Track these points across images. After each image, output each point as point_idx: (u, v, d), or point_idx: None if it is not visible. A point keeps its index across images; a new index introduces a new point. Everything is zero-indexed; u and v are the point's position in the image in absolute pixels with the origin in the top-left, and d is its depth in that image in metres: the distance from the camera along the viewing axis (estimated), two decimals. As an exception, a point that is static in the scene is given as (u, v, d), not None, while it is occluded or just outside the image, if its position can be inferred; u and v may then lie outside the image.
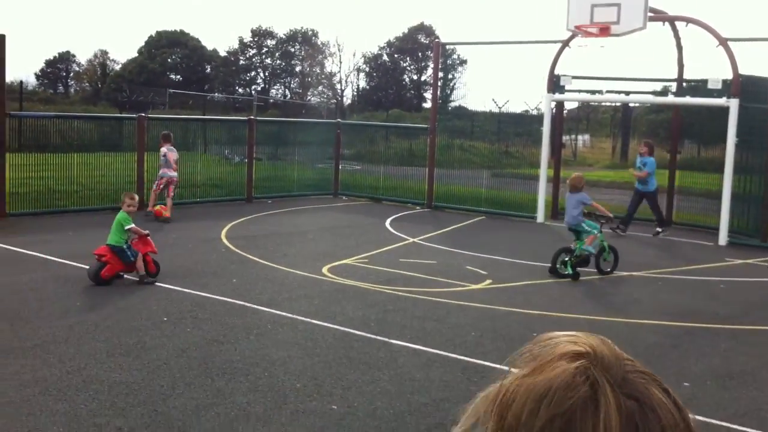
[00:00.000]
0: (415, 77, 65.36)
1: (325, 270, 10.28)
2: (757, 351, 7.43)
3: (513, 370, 0.88)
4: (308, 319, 7.85)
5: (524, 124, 19.38)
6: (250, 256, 10.97)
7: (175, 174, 14.77)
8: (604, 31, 14.37)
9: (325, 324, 7.70)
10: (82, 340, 6.88)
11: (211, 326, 7.51)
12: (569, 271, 10.36)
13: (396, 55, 64.99)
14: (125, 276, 9.32)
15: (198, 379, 6.06)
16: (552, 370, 0.84)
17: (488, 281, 10.08)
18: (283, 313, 8.05)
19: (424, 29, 64.56)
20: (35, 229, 12.74)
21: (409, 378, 6.25)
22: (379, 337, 7.33)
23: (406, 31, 64.61)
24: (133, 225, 9.31)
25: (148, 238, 9.42)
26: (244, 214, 15.28)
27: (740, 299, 9.74)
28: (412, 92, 65.00)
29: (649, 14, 14.28)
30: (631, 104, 22.89)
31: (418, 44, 63.84)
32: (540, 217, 16.21)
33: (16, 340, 6.83)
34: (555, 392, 0.82)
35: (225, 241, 12.28)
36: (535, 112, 18.76)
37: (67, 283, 9.06)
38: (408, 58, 65.05)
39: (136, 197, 10.00)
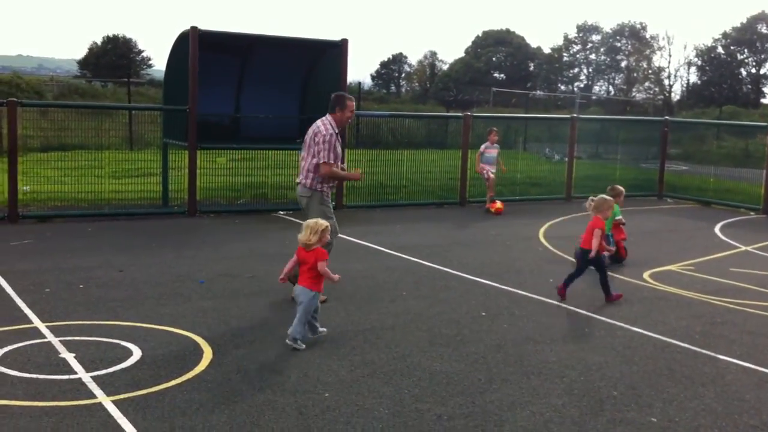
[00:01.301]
0: (753, 70, 60.35)
1: (646, 276, 9.91)
2: None
3: None
4: (627, 326, 7.63)
5: None
6: (567, 257, 10.88)
7: (489, 168, 15.24)
8: None
9: (645, 332, 7.43)
10: (407, 328, 7.31)
11: (526, 324, 7.59)
12: None
13: (732, 47, 60.51)
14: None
15: (514, 375, 6.15)
16: None
17: (835, 299, 9.05)
18: (601, 318, 7.90)
19: (765, 18, 59.33)
20: (368, 221, 13.74)
21: (738, 398, 5.83)
22: (704, 351, 6.92)
23: (744, 21, 59.85)
24: (620, 216, 10.52)
25: (622, 226, 10.62)
26: (563, 214, 15.19)
27: None
28: (749, 87, 60.08)
29: None
30: None
31: (757, 34, 58.90)
32: None
33: (349, 323, 7.43)
34: None
35: (543, 240, 12.32)
36: None
37: (395, 272, 9.67)
38: (746, 50, 60.25)
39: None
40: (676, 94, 62.03)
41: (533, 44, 65.75)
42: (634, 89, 61.96)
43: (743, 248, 12.19)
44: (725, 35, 60.51)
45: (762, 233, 13.73)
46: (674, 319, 7.96)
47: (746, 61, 60.69)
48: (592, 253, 8.43)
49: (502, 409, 5.50)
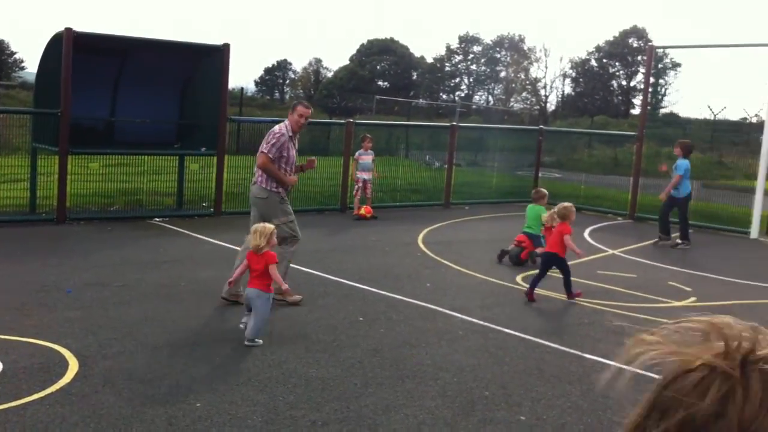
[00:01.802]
0: (624, 83, 63.25)
1: (519, 279, 10.20)
2: None
3: None
4: (499, 327, 7.82)
5: (742, 133, 18.28)
6: (445, 261, 11.09)
7: (365, 176, 15.36)
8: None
9: (517, 333, 7.64)
10: (284, 335, 7.25)
11: (403, 328, 7.67)
12: None
13: (605, 60, 63.22)
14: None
15: (389, 380, 6.21)
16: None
17: (693, 299, 9.58)
18: (475, 320, 8.07)
19: (636, 32, 62.36)
20: (247, 228, 13.52)
21: (603, 395, 6.07)
22: (571, 350, 7.18)
23: (617, 34, 62.68)
24: (547, 215, 10.58)
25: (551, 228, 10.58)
26: (442, 220, 15.46)
27: None
28: (620, 98, 62.94)
29: None
30: None
31: (628, 48, 61.76)
32: (754, 232, 15.17)
33: (225, 331, 7.32)
34: None
35: (421, 245, 12.50)
36: (754, 120, 17.65)
37: (273, 279, 9.58)
38: (617, 63, 63.07)
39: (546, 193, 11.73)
40: (551, 104, 64.31)
41: (417, 54, 66.76)
42: (512, 99, 63.87)
43: (610, 252, 12.72)
44: (598, 48, 63.17)
45: (628, 237, 14.38)
46: (544, 320, 8.23)
47: (617, 73, 63.52)
48: (577, 252, 9.27)
49: (376, 413, 5.53)
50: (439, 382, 6.21)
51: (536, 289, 9.07)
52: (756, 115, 17.30)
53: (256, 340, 6.90)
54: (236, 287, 7.95)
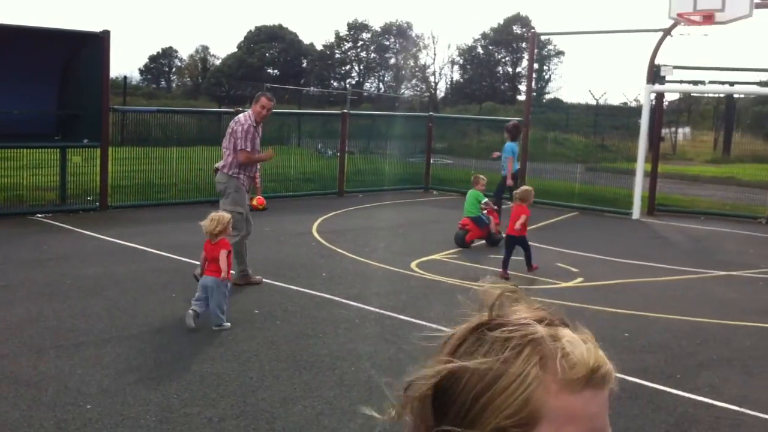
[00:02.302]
0: (510, 69, 64.64)
1: (414, 265, 10.30)
2: None
3: None
4: (395, 314, 7.88)
5: (622, 117, 18.95)
6: (340, 250, 11.08)
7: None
8: (708, 18, 13.90)
9: (412, 320, 7.71)
10: (177, 331, 7.09)
11: (300, 319, 7.63)
12: None
13: (491, 47, 64.41)
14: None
15: (286, 372, 6.16)
16: None
17: (579, 279, 9.90)
18: (371, 308, 8.10)
19: (520, 20, 63.72)
20: (135, 222, 13.19)
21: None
22: (466, 334, 7.29)
23: (501, 21, 63.92)
24: (486, 200, 12.03)
25: (496, 211, 12.12)
26: (336, 208, 15.45)
27: None
28: (507, 84, 64.32)
29: (756, 0, 13.71)
30: (735, 95, 22.02)
31: (513, 35, 63.08)
32: (636, 213, 15.80)
33: (114, 329, 7.09)
34: None
35: (316, 234, 12.46)
36: (633, 104, 18.33)
37: (164, 274, 9.35)
38: (503, 50, 64.36)
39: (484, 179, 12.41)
40: (440, 91, 65.15)
41: (306, 40, 66.32)
42: (402, 86, 64.34)
43: (503, 236, 12.97)
44: (484, 36, 64.31)
45: (518, 221, 14.71)
46: (439, 305, 8.32)
47: (503, 60, 64.87)
48: (517, 226, 9.89)
49: (273, 406, 5.48)
50: (337, 371, 6.20)
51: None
52: (635, 99, 17.94)
53: (223, 324, 7.19)
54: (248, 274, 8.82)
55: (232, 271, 7.72)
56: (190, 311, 7.19)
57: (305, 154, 19.27)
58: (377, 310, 8.04)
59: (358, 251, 11.06)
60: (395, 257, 10.78)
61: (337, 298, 8.44)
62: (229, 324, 7.22)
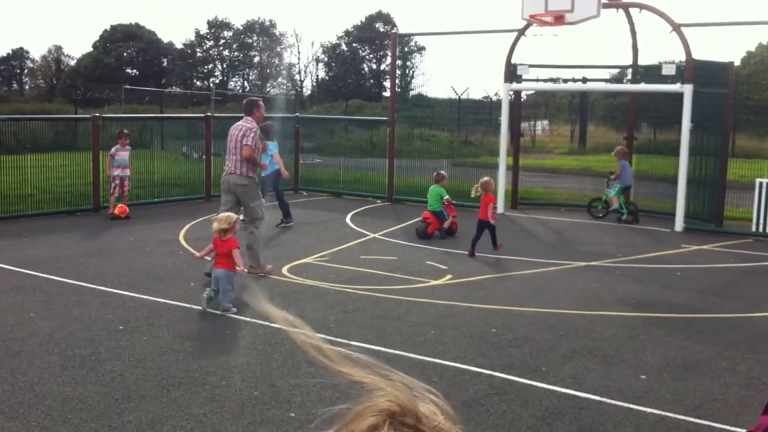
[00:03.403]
0: (374, 66, 65.20)
1: (284, 270, 10.21)
2: (711, 340, 7.52)
3: None
4: (267, 323, 7.78)
5: (484, 112, 19.43)
6: (209, 258, 10.84)
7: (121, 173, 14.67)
8: (559, 19, 14.43)
9: (285, 328, 7.62)
10: (36, 353, 6.75)
11: (167, 334, 7.42)
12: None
13: (354, 45, 64.77)
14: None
15: (154, 390, 5.97)
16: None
17: (449, 276, 10.09)
18: (242, 318, 7.97)
19: (382, 17, 64.38)
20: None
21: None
22: (338, 339, 7.28)
23: (363, 19, 64.38)
24: (448, 196, 13.06)
25: (452, 206, 13.26)
26: (204, 214, 15.09)
27: (696, 287, 9.87)
28: (372, 81, 64.87)
29: (603, 1, 14.36)
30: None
31: (376, 33, 63.64)
32: (500, 207, 16.24)
33: (-33, 356, 6.68)
34: None
35: (183, 242, 12.16)
36: (494, 99, 18.83)
37: (21, 292, 8.88)
38: (367, 47, 64.84)
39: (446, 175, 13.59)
40: (307, 89, 65.00)
41: (165, 39, 64.61)
42: (268, 85, 63.75)
43: (372, 235, 13.09)
44: (348, 33, 64.59)
45: (387, 220, 14.88)
46: (311, 310, 8.29)
47: (368, 57, 65.35)
48: (489, 218, 11.56)
49: (141, 428, 5.30)
50: (207, 387, 6.06)
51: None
52: (496, 94, 18.45)
53: (231, 310, 8.10)
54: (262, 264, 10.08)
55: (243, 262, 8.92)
56: (205, 295, 8.18)
57: (170, 158, 18.76)
58: (249, 319, 7.92)
59: (227, 258, 10.86)
60: (266, 262, 10.64)
61: (207, 310, 8.25)
62: (235, 309, 8.13)
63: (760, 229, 13.81)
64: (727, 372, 6.54)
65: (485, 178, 12.03)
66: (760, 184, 13.94)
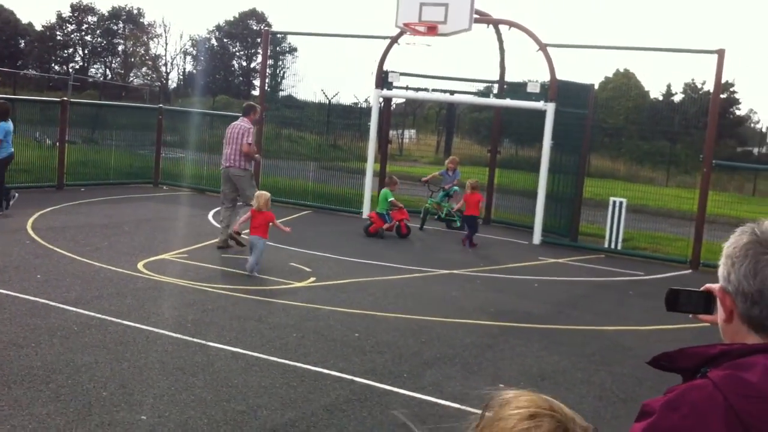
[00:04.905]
0: (244, 63, 64.30)
1: (140, 266, 9.77)
2: (567, 350, 7.73)
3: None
4: (119, 320, 7.39)
5: (353, 117, 19.41)
6: (59, 250, 10.26)
7: None
8: (432, 30, 14.60)
9: (138, 325, 7.28)
10: None
11: (10, 328, 6.91)
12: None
13: (225, 40, 63.69)
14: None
15: (-9, 388, 5.52)
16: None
17: (312, 279, 9.95)
18: (92, 313, 7.54)
19: (256, 15, 63.64)
20: None
21: (226, 384, 5.99)
22: (195, 340, 7.01)
23: (236, 15, 63.39)
24: (393, 198, 14.00)
25: (404, 210, 14.20)
26: (54, 203, 14.34)
27: (552, 299, 10.16)
28: (241, 78, 63.93)
29: (475, 16, 14.64)
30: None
31: (248, 30, 62.80)
32: (366, 212, 16.27)
33: None
34: None
35: (31, 232, 11.44)
36: (364, 105, 18.86)
37: None
38: (238, 44, 63.88)
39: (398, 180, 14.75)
40: (173, 81, 63.28)
41: (24, 20, 61.31)
42: (131, 74, 61.60)
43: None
44: (219, 28, 63.39)
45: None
46: (167, 309, 7.95)
47: (238, 54, 64.34)
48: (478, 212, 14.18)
49: (-26, 429, 4.87)
50: (51, 385, 5.66)
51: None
52: (365, 101, 18.49)
53: (256, 269, 9.80)
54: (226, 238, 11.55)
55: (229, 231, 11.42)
56: (248, 265, 9.80)
57: (20, 143, 17.67)
58: (99, 315, 7.50)
59: (79, 251, 10.31)
60: (120, 257, 10.17)
61: (53, 303, 7.77)
62: (256, 272, 9.78)
63: (612, 246, 14.44)
64: (582, 383, 6.72)
65: (474, 180, 14.47)
66: (614, 202, 14.58)
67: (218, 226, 13.42)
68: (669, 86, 46.36)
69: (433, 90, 17.54)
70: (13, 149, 13.35)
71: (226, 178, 11.75)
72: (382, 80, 16.28)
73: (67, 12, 61.68)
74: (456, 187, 16.19)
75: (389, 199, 14.03)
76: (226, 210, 11.66)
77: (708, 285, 1.77)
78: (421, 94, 18.01)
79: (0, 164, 12.90)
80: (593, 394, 6.50)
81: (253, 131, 11.81)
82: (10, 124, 12.96)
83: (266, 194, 10.18)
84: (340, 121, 19.51)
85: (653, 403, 1.51)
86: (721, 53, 13.36)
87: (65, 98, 18.57)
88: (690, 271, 13.40)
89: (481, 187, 14.54)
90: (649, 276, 12.45)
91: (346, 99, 18.71)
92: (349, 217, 16.12)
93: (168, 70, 63.37)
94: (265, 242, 10.01)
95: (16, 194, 13.28)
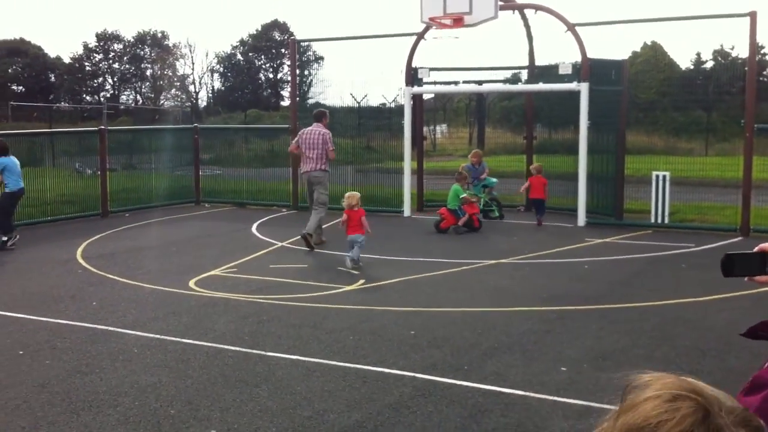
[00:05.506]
0: (271, 75, 64.66)
1: (192, 284, 9.88)
2: (626, 328, 7.65)
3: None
4: (178, 339, 7.48)
5: (383, 118, 19.39)
6: (111, 276, 10.41)
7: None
8: (458, 21, 14.55)
9: (197, 342, 7.35)
10: (-73, 386, 6.27)
11: (72, 356, 7.02)
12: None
13: (250, 54, 64.10)
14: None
15: (62, 416, 5.62)
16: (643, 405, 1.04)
17: (361, 281, 9.97)
18: (150, 335, 7.64)
19: (278, 26, 63.97)
20: None
21: (290, 392, 6.03)
22: (254, 351, 7.07)
23: (259, 28, 63.79)
24: (465, 194, 14.14)
25: (474, 204, 14.31)
26: (101, 231, 14.54)
27: (604, 278, 10.06)
28: (269, 91, 64.30)
29: (500, 3, 14.56)
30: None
31: (272, 41, 63.15)
32: (407, 210, 16.27)
33: None
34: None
35: (81, 261, 11.62)
36: (393, 105, 18.83)
37: None
38: (263, 56, 64.26)
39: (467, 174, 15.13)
40: (202, 100, 63.88)
41: (52, 54, 62.36)
42: (161, 97, 62.33)
43: (279, 244, 12.85)
44: (243, 42, 63.83)
45: (293, 228, 14.58)
46: (223, 323, 8.02)
47: (264, 66, 64.73)
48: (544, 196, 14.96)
49: (50, 457, 4.96)
50: (119, 408, 5.75)
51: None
52: (394, 101, 18.47)
53: (359, 262, 10.70)
54: (320, 237, 12.72)
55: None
56: (348, 260, 10.70)
57: (62, 175, 17.98)
58: (158, 336, 7.59)
59: (131, 274, 10.45)
60: (171, 277, 10.29)
61: (112, 328, 7.88)
62: (361, 264, 10.68)
63: (659, 220, 14.26)
64: (645, 359, 6.64)
65: (538, 164, 15.55)
66: (656, 176, 14.39)
67: (263, 238, 13.52)
68: (699, 54, 45.62)
69: (464, 82, 17.47)
70: (23, 185, 13.19)
71: (308, 183, 12.72)
72: (412, 77, 16.26)
73: (92, 42, 62.59)
74: (493, 179, 16.13)
75: (461, 196, 14.09)
76: (316, 213, 12.52)
77: (762, 245, 1.77)
78: (451, 88, 17.96)
79: (6, 199, 12.91)
80: (658, 369, 6.39)
81: (331, 136, 12.69)
82: (11, 159, 12.87)
83: (357, 194, 11.08)
84: (372, 122, 19.50)
85: (765, 374, 1.49)
86: (753, 15, 13.12)
87: (102, 127, 18.83)
88: (741, 238, 13.17)
89: (541, 169, 15.21)
90: (699, 247, 12.27)
91: (374, 101, 18.63)
92: (390, 216, 16.11)
93: (197, 89, 64.00)
94: (364, 237, 10.78)
95: (18, 236, 12.96)
